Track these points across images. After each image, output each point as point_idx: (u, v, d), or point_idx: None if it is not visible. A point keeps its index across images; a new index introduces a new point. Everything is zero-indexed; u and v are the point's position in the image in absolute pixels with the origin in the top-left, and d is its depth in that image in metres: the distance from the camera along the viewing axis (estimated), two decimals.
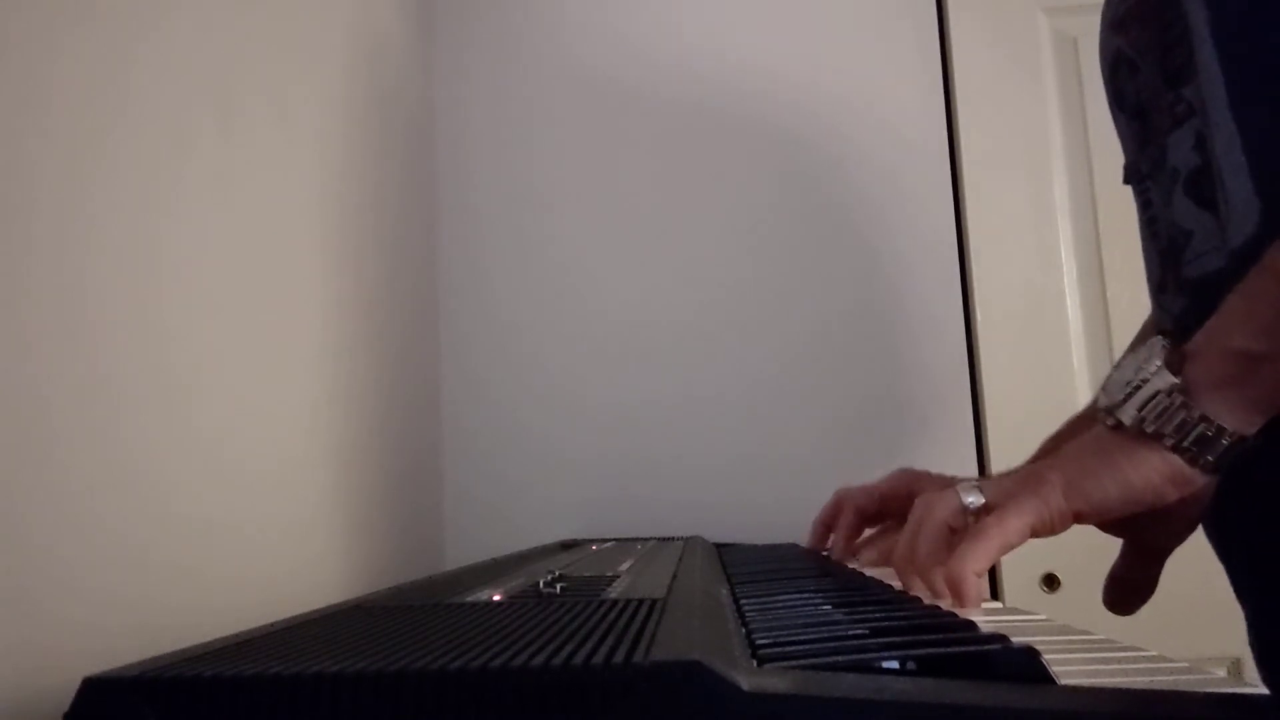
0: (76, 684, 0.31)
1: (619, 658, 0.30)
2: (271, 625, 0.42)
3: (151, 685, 0.30)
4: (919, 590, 0.55)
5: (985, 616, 0.46)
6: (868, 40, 1.33)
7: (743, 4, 1.35)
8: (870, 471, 0.89)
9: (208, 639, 0.39)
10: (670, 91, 1.34)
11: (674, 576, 0.56)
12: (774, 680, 0.30)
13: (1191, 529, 0.58)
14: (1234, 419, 0.49)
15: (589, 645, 0.32)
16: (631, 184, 1.33)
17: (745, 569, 0.72)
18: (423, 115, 1.30)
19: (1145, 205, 0.66)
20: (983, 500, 0.55)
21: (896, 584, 0.57)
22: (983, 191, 1.29)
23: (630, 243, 1.31)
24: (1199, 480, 0.50)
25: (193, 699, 0.30)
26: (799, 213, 1.31)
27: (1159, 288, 0.65)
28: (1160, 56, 0.61)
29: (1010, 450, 0.83)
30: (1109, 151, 1.28)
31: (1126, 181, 0.69)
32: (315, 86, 0.90)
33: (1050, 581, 1.17)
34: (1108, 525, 0.57)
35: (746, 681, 0.28)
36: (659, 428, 1.27)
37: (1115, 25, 0.67)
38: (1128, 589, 0.60)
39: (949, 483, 0.59)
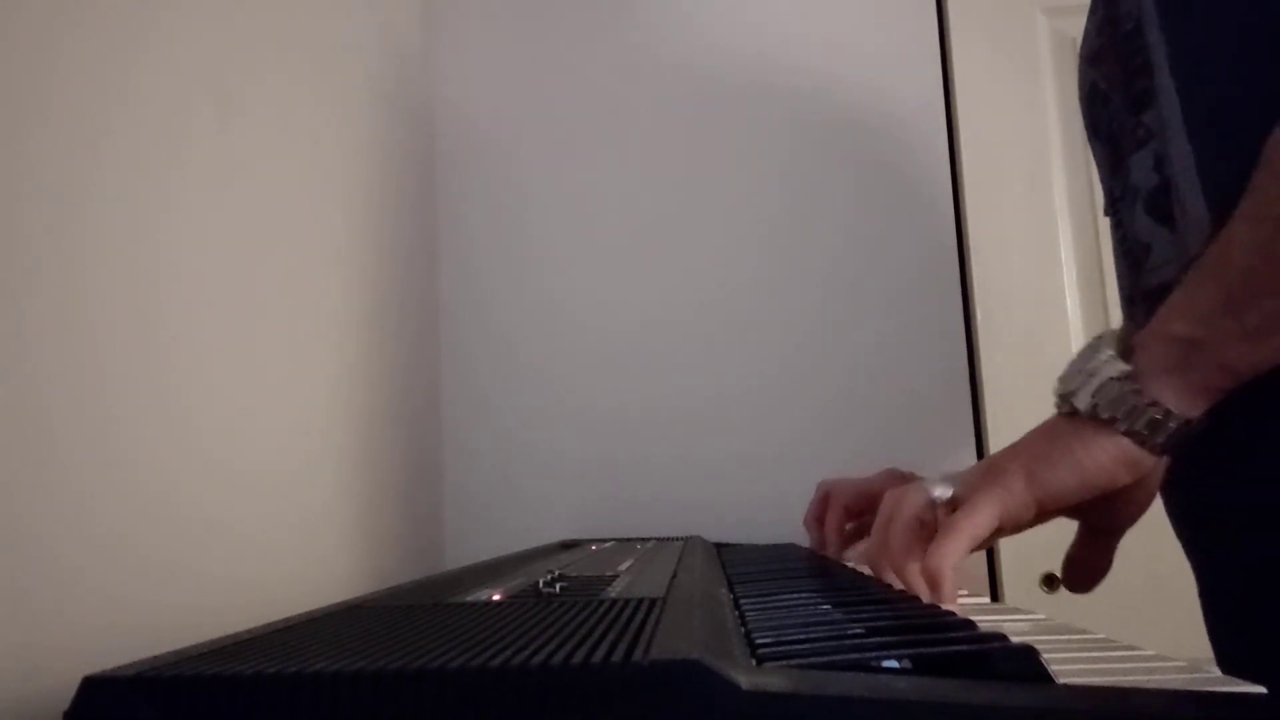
0: (77, 683, 0.31)
1: (618, 657, 0.30)
2: (271, 625, 0.42)
3: (151, 684, 0.30)
4: (892, 582, 0.56)
5: (984, 616, 0.46)
6: (867, 41, 1.33)
7: (741, 6, 1.35)
8: (871, 471, 0.89)
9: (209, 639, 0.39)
10: (667, 97, 1.34)
11: (673, 576, 0.56)
12: (773, 679, 0.30)
13: (1142, 511, 0.60)
14: (1180, 402, 0.52)
15: (588, 645, 0.32)
16: (627, 188, 1.33)
17: (745, 569, 0.72)
18: (424, 118, 1.30)
19: (1117, 225, 0.70)
20: (950, 493, 0.57)
21: (897, 584, 0.58)
22: (983, 191, 1.29)
23: (627, 245, 1.31)
24: (1149, 462, 0.53)
25: (192, 698, 0.30)
26: (798, 213, 1.31)
27: (1129, 300, 0.70)
28: (1125, 85, 0.66)
29: None
30: None
31: (1107, 213, 0.73)
32: (315, 85, 0.90)
33: (1050, 581, 1.17)
34: (1059, 510, 0.58)
35: (745, 680, 0.28)
36: (658, 428, 1.27)
37: (1090, 59, 0.71)
38: (1084, 569, 0.63)
39: None
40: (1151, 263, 0.64)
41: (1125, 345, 0.55)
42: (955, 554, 0.53)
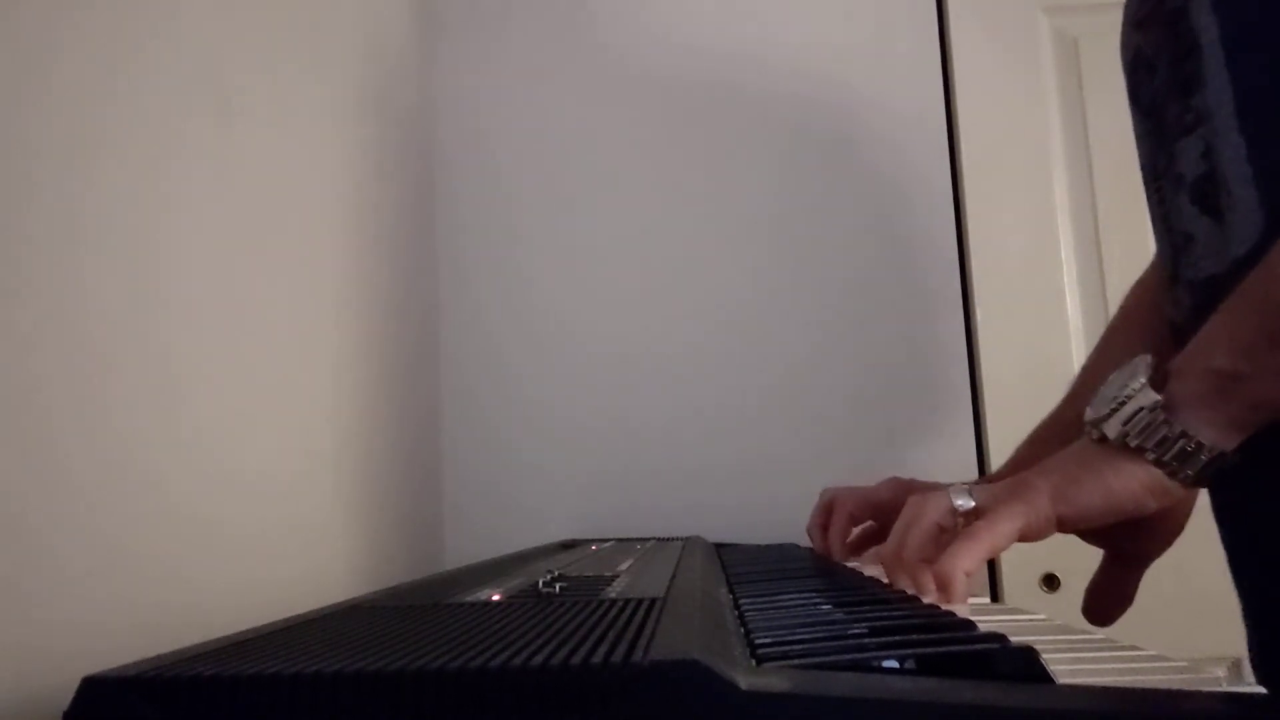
0: (77, 683, 0.31)
1: (618, 657, 0.30)
2: (271, 625, 0.42)
3: (151, 684, 0.30)
4: (905, 586, 0.56)
5: (984, 616, 0.46)
6: (868, 41, 1.33)
7: (742, 9, 1.35)
8: (870, 471, 0.89)
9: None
10: (664, 100, 1.34)
11: (673, 576, 0.56)
12: (772, 680, 0.30)
13: (1170, 541, 0.59)
14: (1213, 435, 0.51)
15: (588, 645, 0.32)
16: (625, 192, 1.33)
17: (744, 569, 0.72)
18: (422, 125, 1.30)
19: (1160, 202, 0.67)
20: (973, 503, 0.57)
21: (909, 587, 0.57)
22: (983, 191, 1.29)
23: (627, 248, 1.31)
24: (1178, 492, 0.52)
25: (192, 698, 0.30)
26: (797, 214, 1.31)
27: (1170, 281, 0.67)
28: (1172, 63, 0.63)
29: (1010, 449, 0.83)
30: (1109, 151, 1.28)
31: (1147, 182, 0.69)
32: (314, 86, 0.90)
33: (1050, 581, 1.17)
34: (1090, 535, 0.59)
35: (745, 681, 0.28)
36: (658, 429, 1.27)
37: (1136, 24, 0.68)
38: (1108, 598, 0.62)
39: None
40: (1194, 254, 0.62)
41: (1160, 372, 0.54)
42: (970, 560, 0.53)
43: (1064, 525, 0.54)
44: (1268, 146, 0.57)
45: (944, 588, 0.53)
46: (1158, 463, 0.52)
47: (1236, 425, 0.51)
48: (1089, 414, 0.55)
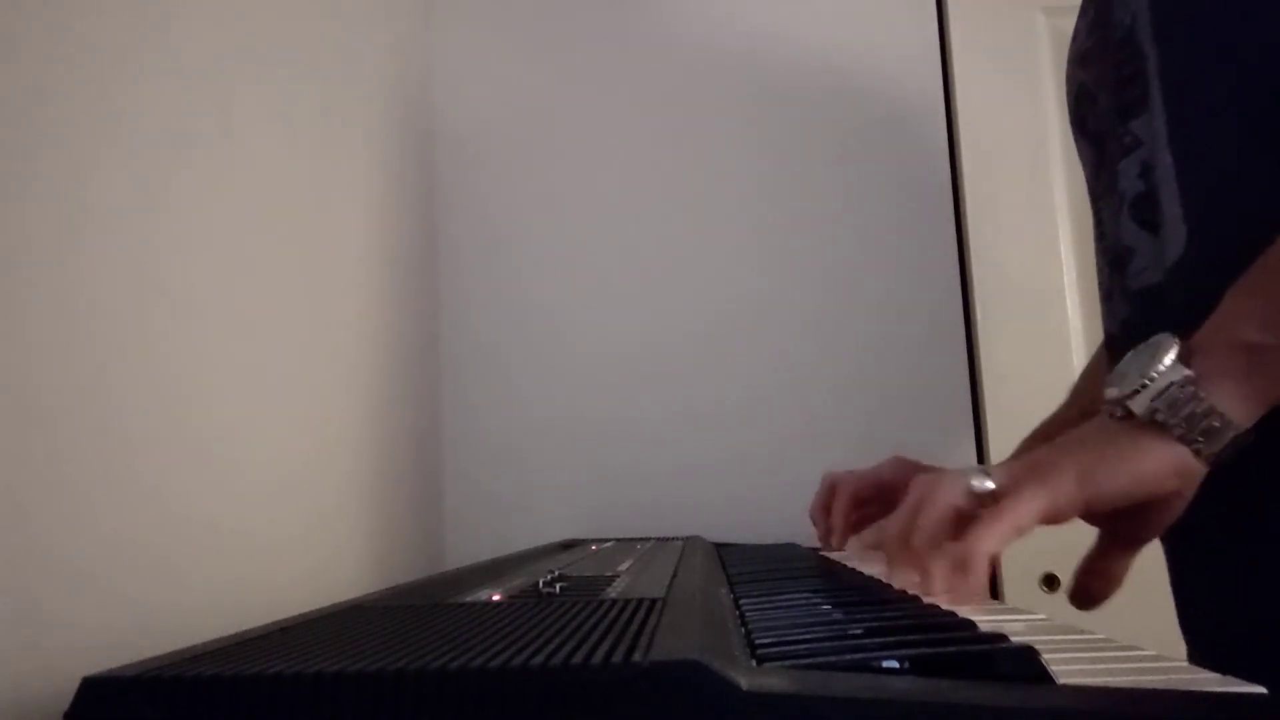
0: (77, 684, 0.31)
1: (618, 657, 0.30)
2: (271, 625, 0.42)
3: (151, 685, 0.30)
4: (906, 573, 0.54)
5: (984, 616, 0.46)
6: (867, 40, 1.33)
7: (743, 8, 1.35)
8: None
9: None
10: (665, 100, 1.34)
11: (674, 576, 0.56)
12: (773, 680, 0.30)
13: (1168, 522, 0.59)
14: (1238, 411, 0.50)
15: (588, 645, 0.32)
16: (626, 191, 1.33)
17: (745, 569, 0.72)
18: (425, 127, 1.30)
19: (1098, 223, 0.72)
20: (991, 485, 0.54)
21: (909, 573, 0.56)
22: (983, 191, 1.29)
23: (627, 247, 1.31)
24: (1200, 471, 0.51)
25: (192, 698, 0.30)
26: (798, 213, 1.31)
27: (1106, 296, 0.71)
28: (1115, 91, 0.67)
29: (1010, 444, 0.84)
30: None
31: (1092, 203, 0.75)
32: (318, 91, 0.90)
33: (1050, 581, 1.17)
34: (1092, 515, 0.57)
35: (745, 681, 0.28)
36: (658, 429, 1.27)
37: (1078, 61, 0.73)
38: (1099, 580, 0.61)
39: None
40: (1135, 267, 0.65)
41: (1184, 348, 0.52)
42: (995, 541, 0.51)
43: (1089, 507, 0.52)
44: (1193, 168, 0.60)
45: (966, 569, 0.50)
46: (1183, 439, 0.51)
47: (1261, 399, 0.51)
48: (1111, 393, 0.53)
